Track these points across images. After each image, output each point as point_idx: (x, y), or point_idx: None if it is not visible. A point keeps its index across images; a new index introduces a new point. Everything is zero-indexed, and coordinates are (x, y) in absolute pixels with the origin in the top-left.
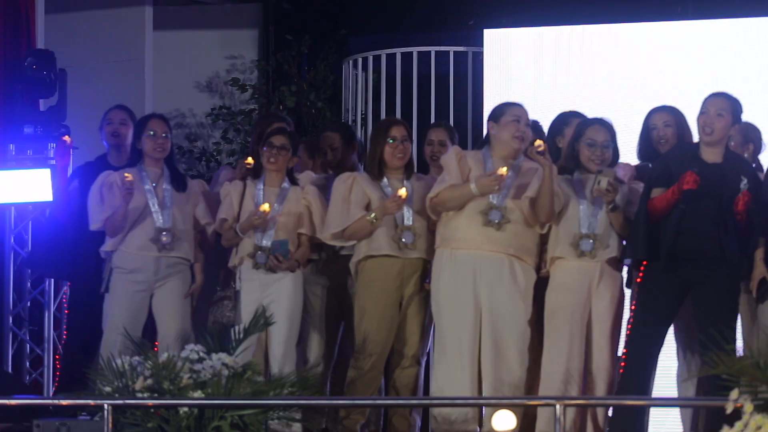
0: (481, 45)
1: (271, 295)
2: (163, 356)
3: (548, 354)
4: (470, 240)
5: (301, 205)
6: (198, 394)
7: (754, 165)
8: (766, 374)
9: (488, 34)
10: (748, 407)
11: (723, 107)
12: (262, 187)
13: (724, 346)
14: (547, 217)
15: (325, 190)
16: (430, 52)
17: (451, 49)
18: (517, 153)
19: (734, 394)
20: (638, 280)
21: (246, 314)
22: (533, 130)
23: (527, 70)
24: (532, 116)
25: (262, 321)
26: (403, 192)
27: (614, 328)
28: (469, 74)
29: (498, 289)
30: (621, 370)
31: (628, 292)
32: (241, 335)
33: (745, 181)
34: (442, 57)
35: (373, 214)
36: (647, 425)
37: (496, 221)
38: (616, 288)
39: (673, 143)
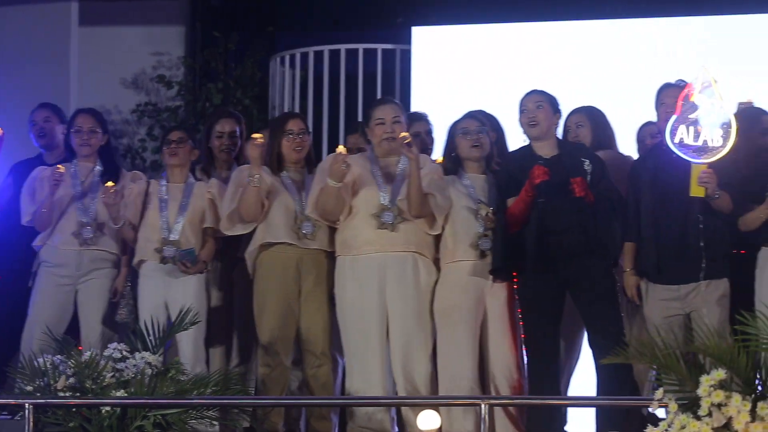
0: (409, 43)
1: (174, 295)
2: (86, 355)
3: (445, 354)
4: (370, 243)
5: (205, 200)
6: (121, 393)
7: None
8: (689, 373)
9: (416, 31)
10: (673, 407)
11: (540, 100)
12: (165, 183)
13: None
14: (418, 212)
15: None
16: (358, 49)
17: (379, 46)
18: (395, 152)
19: (659, 393)
20: (515, 287)
21: (145, 313)
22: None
23: (456, 68)
24: (455, 115)
25: (187, 319)
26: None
27: (513, 328)
28: (397, 72)
29: (403, 288)
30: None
31: None
32: (166, 334)
33: (587, 162)
34: (370, 55)
35: (255, 176)
36: (562, 425)
37: (390, 222)
38: (510, 287)
39: (589, 143)
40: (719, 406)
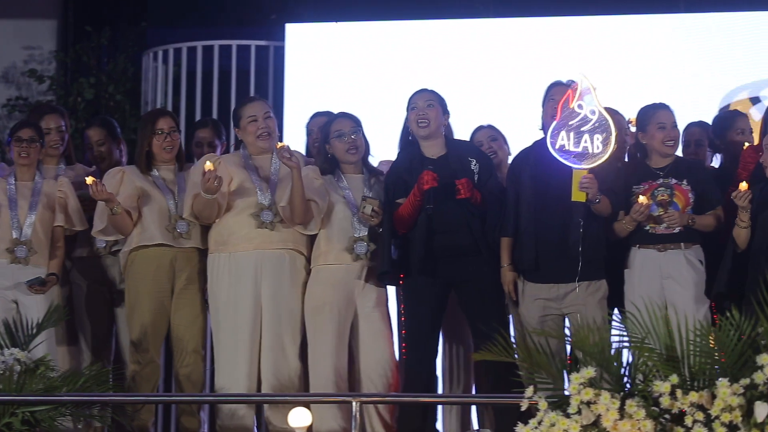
0: (283, 40)
1: (23, 296)
2: None
3: (314, 352)
4: (248, 241)
5: (56, 198)
6: None
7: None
8: (560, 372)
9: (290, 28)
10: (543, 404)
11: (431, 99)
12: (14, 182)
13: (498, 338)
14: (301, 219)
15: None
16: (231, 45)
17: (253, 43)
18: (270, 148)
19: (529, 391)
20: (402, 284)
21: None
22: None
23: (329, 66)
24: (326, 110)
25: (55, 316)
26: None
27: (383, 325)
28: (271, 69)
29: (278, 285)
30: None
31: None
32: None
33: (474, 162)
34: (243, 51)
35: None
36: (433, 423)
37: (269, 221)
38: (382, 287)
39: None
40: (588, 403)
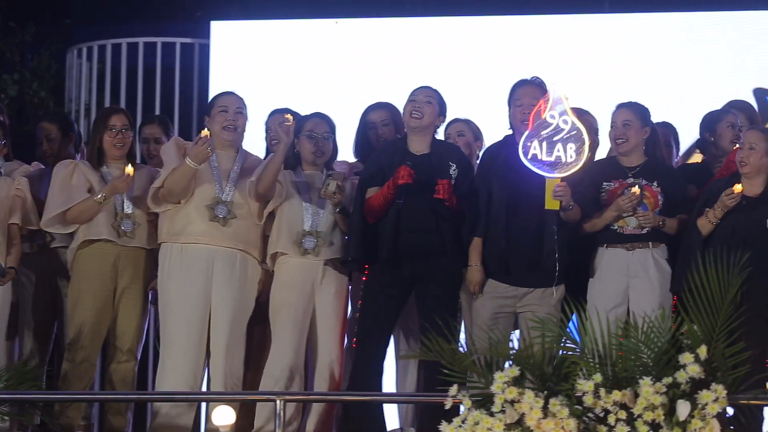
0: (208, 37)
1: None
2: None
3: (273, 350)
4: (200, 234)
5: (11, 195)
6: None
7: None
8: (484, 370)
9: (215, 26)
10: (467, 403)
11: (431, 95)
12: None
13: (447, 338)
14: (265, 191)
15: (40, 181)
16: (156, 43)
17: (178, 40)
18: (233, 143)
19: (453, 389)
20: (363, 279)
21: None
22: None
23: (254, 63)
24: (254, 110)
25: None
26: (129, 169)
27: (340, 325)
28: (196, 66)
29: (231, 285)
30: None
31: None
32: None
33: (454, 167)
34: (168, 48)
35: (101, 194)
36: (384, 422)
37: (222, 216)
38: (340, 284)
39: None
40: (512, 402)
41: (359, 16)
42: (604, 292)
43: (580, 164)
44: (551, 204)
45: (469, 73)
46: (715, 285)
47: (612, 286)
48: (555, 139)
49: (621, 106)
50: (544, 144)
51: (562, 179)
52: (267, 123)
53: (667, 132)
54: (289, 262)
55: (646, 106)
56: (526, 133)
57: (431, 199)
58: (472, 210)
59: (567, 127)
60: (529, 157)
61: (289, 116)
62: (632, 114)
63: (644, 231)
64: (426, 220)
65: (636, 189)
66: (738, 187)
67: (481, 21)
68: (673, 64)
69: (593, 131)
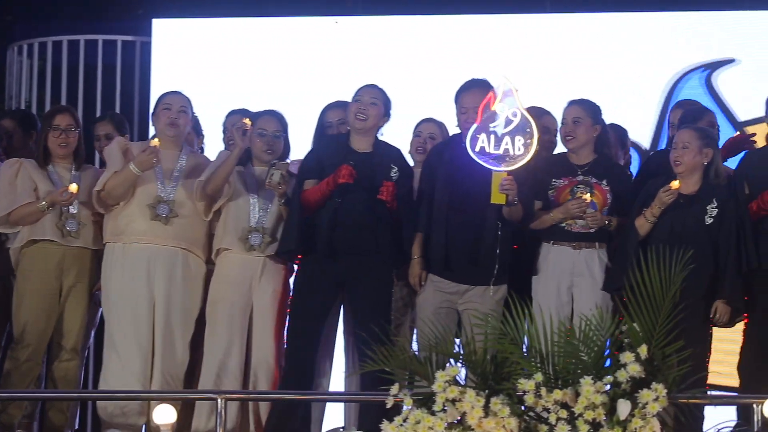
0: (150, 35)
1: None
2: None
3: (208, 347)
4: (142, 234)
5: None
6: None
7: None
8: (425, 369)
9: (157, 24)
10: (408, 402)
11: (376, 96)
12: None
13: (383, 340)
14: (213, 192)
15: None
16: (97, 40)
17: (119, 38)
18: (176, 140)
19: (395, 389)
20: (296, 273)
21: None
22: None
23: (196, 61)
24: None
25: None
26: (73, 188)
27: (278, 322)
28: (137, 64)
29: (172, 283)
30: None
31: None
32: None
33: (395, 169)
34: (109, 46)
35: (43, 202)
36: (310, 420)
37: (164, 215)
38: (278, 282)
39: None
40: (453, 401)
41: (300, 14)
42: (549, 290)
43: (528, 158)
44: (497, 198)
45: (417, 73)
46: (656, 283)
47: (556, 284)
48: (503, 132)
49: (572, 103)
50: (492, 137)
51: (509, 173)
52: (224, 123)
53: (614, 133)
54: (230, 258)
55: (597, 104)
56: (474, 125)
57: (370, 198)
58: (416, 207)
59: (516, 120)
60: (477, 149)
61: (247, 120)
62: (583, 111)
63: (592, 230)
64: (363, 219)
65: (587, 196)
66: (675, 183)
67: (417, 20)
68: (625, 65)
69: (553, 132)
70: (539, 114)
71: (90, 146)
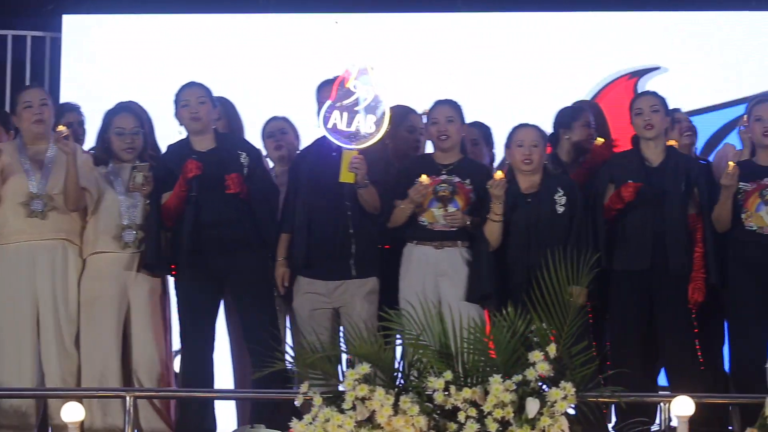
0: (60, 31)
1: None
2: None
3: (86, 345)
4: (20, 233)
5: None
6: None
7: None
8: (334, 368)
9: (67, 19)
10: (317, 400)
11: (202, 95)
12: None
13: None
14: (74, 206)
15: None
16: (6, 36)
17: (29, 33)
18: (44, 135)
19: (304, 387)
20: (174, 278)
21: None
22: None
23: (106, 58)
24: (106, 105)
25: None
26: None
27: (156, 319)
28: (47, 60)
29: (55, 276)
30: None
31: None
32: None
33: (244, 155)
34: (18, 42)
35: None
36: (214, 418)
37: (40, 210)
38: (155, 279)
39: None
40: (363, 399)
41: (216, 11)
42: (414, 288)
43: (379, 136)
44: (346, 177)
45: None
46: (563, 282)
47: (421, 284)
48: (356, 109)
49: (443, 103)
50: (345, 114)
51: (360, 152)
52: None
53: (479, 131)
54: (103, 255)
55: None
56: (329, 102)
57: (226, 194)
58: (267, 201)
59: (369, 98)
60: (329, 126)
61: (61, 127)
62: (454, 111)
63: (453, 228)
64: (225, 214)
65: (424, 178)
66: (498, 174)
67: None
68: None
69: (419, 131)
70: (406, 112)
71: None
